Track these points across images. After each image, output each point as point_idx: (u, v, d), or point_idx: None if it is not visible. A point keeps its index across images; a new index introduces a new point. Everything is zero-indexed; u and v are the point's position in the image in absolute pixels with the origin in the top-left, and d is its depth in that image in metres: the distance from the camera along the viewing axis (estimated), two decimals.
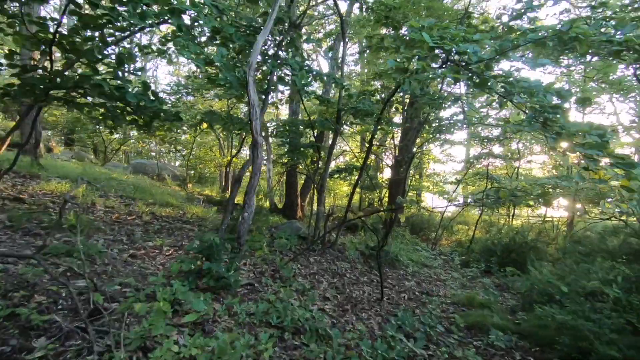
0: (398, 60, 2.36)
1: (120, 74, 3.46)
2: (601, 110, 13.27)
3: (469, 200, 15.25)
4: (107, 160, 16.89)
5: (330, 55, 11.72)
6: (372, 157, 13.42)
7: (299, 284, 4.16)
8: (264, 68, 4.87)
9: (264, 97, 3.99)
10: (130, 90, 2.98)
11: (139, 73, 3.41)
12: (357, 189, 13.21)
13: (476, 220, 10.60)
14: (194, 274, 3.19)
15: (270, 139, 9.81)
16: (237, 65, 3.90)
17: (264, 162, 12.40)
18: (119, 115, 3.32)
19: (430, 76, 2.73)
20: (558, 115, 2.36)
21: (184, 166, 20.47)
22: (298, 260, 5.21)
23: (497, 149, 12.72)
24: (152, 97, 3.14)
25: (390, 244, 7.22)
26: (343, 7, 14.57)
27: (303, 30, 11.55)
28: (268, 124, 9.29)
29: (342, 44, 5.49)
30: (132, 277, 3.13)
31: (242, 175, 3.68)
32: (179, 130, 13.42)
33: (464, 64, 2.55)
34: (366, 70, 14.37)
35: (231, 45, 3.72)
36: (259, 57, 4.66)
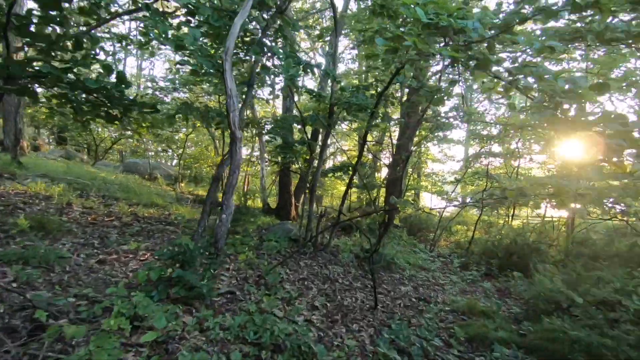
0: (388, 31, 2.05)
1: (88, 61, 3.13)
2: (601, 110, 12.98)
3: (468, 200, 14.96)
4: (99, 160, 16.50)
5: (326, 50, 11.42)
6: (370, 156, 13.10)
7: (286, 291, 3.84)
8: (252, 58, 4.53)
9: (246, 88, 3.66)
10: (79, 73, 2.64)
11: (113, 60, 3.08)
12: (355, 189, 12.89)
13: (475, 221, 10.29)
14: (164, 282, 2.87)
15: (264, 137, 9.48)
16: (215, 50, 3.56)
17: (258, 161, 12.07)
18: (83, 106, 2.99)
19: (426, 58, 2.42)
20: (571, 102, 2.05)
21: (181, 166, 20.12)
22: (287, 264, 4.88)
23: (496, 147, 12.45)
24: (116, 81, 2.80)
25: (386, 245, 6.91)
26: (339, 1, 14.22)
27: (301, 26, 11.22)
28: (261, 121, 8.97)
29: (335, 34, 5.17)
30: (93, 287, 2.80)
31: (220, 173, 3.35)
32: (171, 129, 13.06)
33: (462, 45, 2.23)
34: (364, 68, 14.06)
35: (209, 30, 3.40)
36: (245, 46, 4.33)
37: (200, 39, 3.61)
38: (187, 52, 2.97)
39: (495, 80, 2.05)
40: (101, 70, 3.15)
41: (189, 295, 2.86)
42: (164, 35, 2.62)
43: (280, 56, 3.56)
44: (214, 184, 3.36)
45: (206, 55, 3.06)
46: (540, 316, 3.67)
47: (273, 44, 4.53)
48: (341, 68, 17.52)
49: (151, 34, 2.77)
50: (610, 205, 8.16)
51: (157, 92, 7.63)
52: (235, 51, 4.81)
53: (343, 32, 11.71)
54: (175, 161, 21.46)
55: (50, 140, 19.67)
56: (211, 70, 3.07)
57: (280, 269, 4.56)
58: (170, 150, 19.69)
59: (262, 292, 3.64)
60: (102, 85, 2.83)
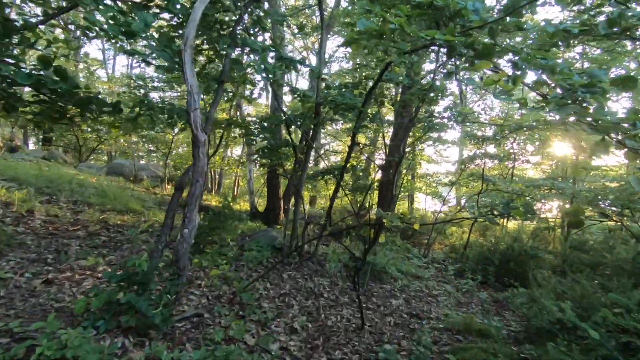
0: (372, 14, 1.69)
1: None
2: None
3: (462, 201, 14.67)
4: (83, 161, 15.93)
5: (315, 47, 11.02)
6: (363, 158, 12.75)
7: (262, 311, 3.45)
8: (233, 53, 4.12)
9: (217, 85, 3.26)
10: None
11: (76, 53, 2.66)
12: (347, 191, 12.51)
13: (471, 224, 9.98)
14: (114, 309, 2.46)
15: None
16: (174, 39, 3.16)
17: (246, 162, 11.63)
18: (16, 102, 2.56)
19: (417, 45, 2.05)
20: (592, 100, 1.69)
21: (169, 166, 19.56)
22: (268, 277, 4.49)
23: (491, 149, 12.18)
24: (55, 77, 2.39)
25: (378, 253, 6.55)
26: None
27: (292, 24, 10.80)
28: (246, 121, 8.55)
29: (322, 28, 4.79)
30: (26, 316, 2.38)
31: (184, 181, 2.95)
32: (157, 129, 12.54)
33: (460, 31, 1.86)
34: (357, 66, 13.68)
35: (177, 19, 3.01)
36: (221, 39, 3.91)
37: (164, 31, 3.21)
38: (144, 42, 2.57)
39: (499, 72, 1.69)
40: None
41: (143, 324, 2.45)
42: (98, 20, 2.21)
43: (255, 48, 3.17)
44: (177, 194, 2.96)
45: (164, 45, 2.66)
46: (543, 337, 3.33)
47: (252, 37, 4.13)
48: (335, 68, 17.17)
49: (90, 18, 2.36)
50: (605, 206, 7.93)
51: (136, 91, 7.17)
52: (211, 45, 4.41)
53: (335, 29, 11.34)
54: (169, 162, 20.85)
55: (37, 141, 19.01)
56: (168, 61, 2.67)
57: (260, 284, 4.17)
58: (160, 151, 19.16)
59: (234, 314, 3.24)
60: (40, 80, 2.41)
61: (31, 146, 19.39)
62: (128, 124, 3.54)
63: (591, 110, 1.68)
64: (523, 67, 1.81)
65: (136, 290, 2.53)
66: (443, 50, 2.50)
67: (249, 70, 3.95)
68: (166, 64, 2.81)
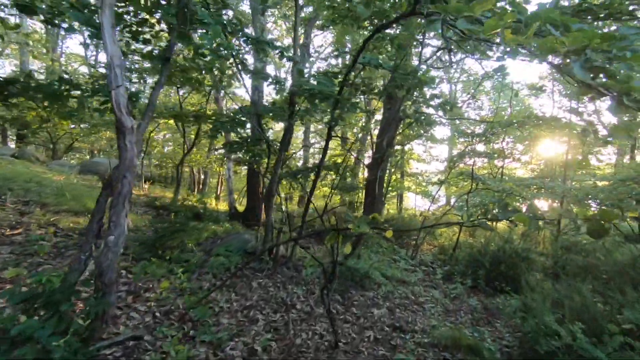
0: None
1: None
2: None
3: (452, 200, 14.37)
4: (57, 159, 15.09)
5: (302, 41, 10.53)
6: (352, 156, 12.31)
7: (218, 329, 2.95)
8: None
9: (161, 66, 2.76)
10: None
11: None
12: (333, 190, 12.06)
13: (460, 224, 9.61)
14: (10, 339, 1.94)
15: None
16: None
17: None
18: None
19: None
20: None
21: (152, 165, 18.92)
22: (234, 287, 3.99)
23: (480, 147, 11.90)
24: None
25: (362, 257, 6.11)
26: None
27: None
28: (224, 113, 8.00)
29: (295, 7, 4.31)
30: None
31: (114, 178, 2.42)
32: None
33: None
34: (341, 62, 13.19)
35: None
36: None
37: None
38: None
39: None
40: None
41: (46, 357, 1.93)
42: None
43: (205, 19, 2.66)
44: (104, 192, 2.44)
45: (82, 5, 2.14)
46: (539, 354, 2.92)
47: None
48: (322, 64, 16.70)
49: None
50: (596, 205, 7.65)
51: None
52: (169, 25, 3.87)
53: (318, 22, 10.88)
54: (152, 161, 20.04)
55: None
56: (80, 21, 2.14)
57: (222, 295, 3.67)
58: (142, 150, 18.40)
59: (182, 335, 2.74)
60: None
61: (12, 144, 18.45)
62: (52, 102, 2.99)
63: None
64: (529, 23, 1.37)
65: (42, 314, 2.01)
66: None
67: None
68: (76, 26, 2.29)
